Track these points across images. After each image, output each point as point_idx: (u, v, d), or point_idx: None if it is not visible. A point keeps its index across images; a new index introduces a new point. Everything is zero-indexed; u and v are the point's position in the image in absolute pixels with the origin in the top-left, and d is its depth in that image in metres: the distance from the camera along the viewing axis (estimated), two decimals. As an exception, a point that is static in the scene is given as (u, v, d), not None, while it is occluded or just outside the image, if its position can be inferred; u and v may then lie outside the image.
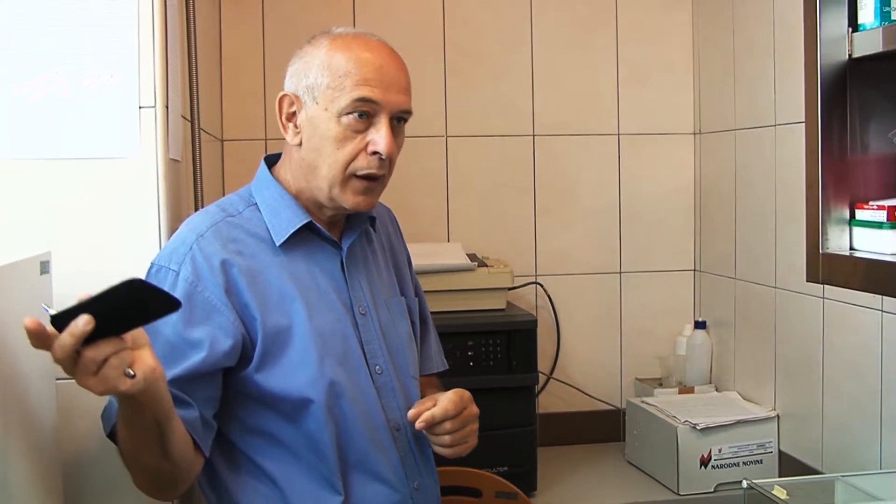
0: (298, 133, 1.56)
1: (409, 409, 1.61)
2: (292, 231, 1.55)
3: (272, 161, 1.67)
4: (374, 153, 1.53)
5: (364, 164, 1.53)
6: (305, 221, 1.56)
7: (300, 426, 1.54)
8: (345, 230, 1.66)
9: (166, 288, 1.43)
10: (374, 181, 1.56)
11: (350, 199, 1.55)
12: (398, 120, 1.57)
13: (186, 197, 1.84)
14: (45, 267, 1.40)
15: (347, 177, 1.54)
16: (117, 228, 1.56)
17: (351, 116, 1.52)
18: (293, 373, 1.52)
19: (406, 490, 1.62)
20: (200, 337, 1.47)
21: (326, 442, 1.54)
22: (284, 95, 1.57)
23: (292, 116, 1.57)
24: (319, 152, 1.54)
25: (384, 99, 1.53)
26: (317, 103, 1.53)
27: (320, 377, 1.53)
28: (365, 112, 1.52)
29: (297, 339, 1.53)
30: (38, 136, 1.54)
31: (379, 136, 1.52)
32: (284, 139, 1.60)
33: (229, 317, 1.49)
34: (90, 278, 1.54)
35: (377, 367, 1.62)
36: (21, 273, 1.30)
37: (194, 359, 1.46)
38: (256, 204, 1.59)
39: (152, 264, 1.51)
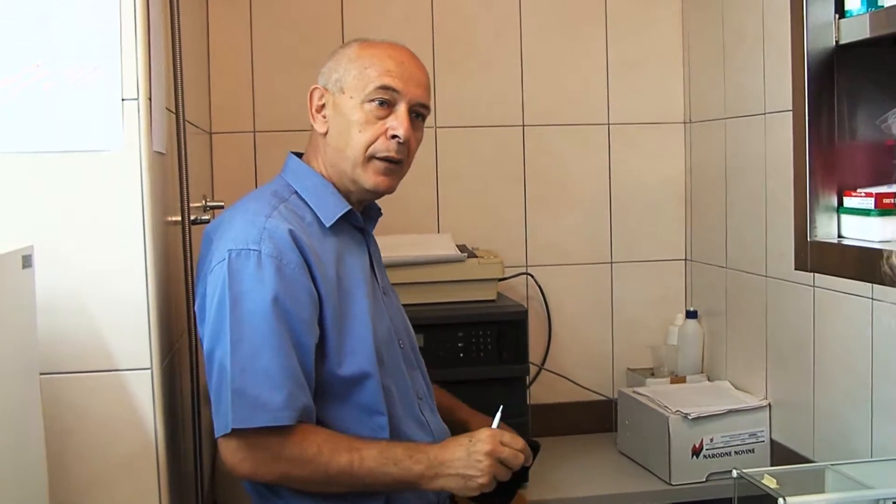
0: (326, 122, 1.73)
1: (425, 380, 1.85)
2: (340, 214, 1.70)
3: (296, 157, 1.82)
4: (393, 137, 1.69)
5: (383, 147, 1.70)
6: (347, 209, 1.72)
7: (348, 403, 1.66)
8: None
9: (251, 267, 1.56)
10: (394, 163, 1.71)
11: (371, 179, 1.71)
12: (416, 115, 1.74)
13: (172, 189, 1.83)
14: (27, 261, 1.38)
15: (368, 158, 1.70)
16: (100, 221, 1.54)
17: (373, 104, 1.69)
18: (354, 351, 1.66)
19: None
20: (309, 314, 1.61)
21: (380, 408, 1.68)
22: (315, 88, 1.75)
23: (321, 108, 1.75)
24: (344, 136, 1.70)
25: (404, 89, 1.70)
26: (343, 93, 1.71)
27: (374, 352, 1.67)
28: (385, 100, 1.69)
29: (359, 317, 1.67)
30: (19, 130, 1.52)
31: (397, 122, 1.69)
32: (309, 133, 1.79)
33: (312, 293, 1.61)
34: (73, 272, 1.54)
35: (401, 341, 1.80)
36: (3, 267, 1.29)
37: (312, 337, 1.61)
38: (297, 192, 1.72)
39: (228, 251, 1.59)
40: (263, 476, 1.60)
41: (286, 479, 1.61)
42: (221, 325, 1.57)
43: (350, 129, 1.70)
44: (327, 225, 1.69)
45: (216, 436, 1.60)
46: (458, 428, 1.95)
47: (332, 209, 1.71)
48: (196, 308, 1.69)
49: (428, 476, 1.62)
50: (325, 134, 1.73)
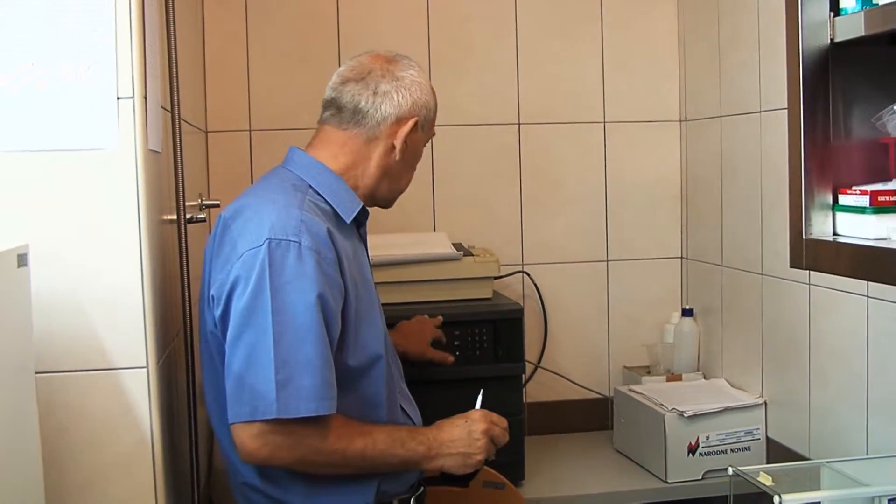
0: (405, 149, 1.79)
1: (401, 375, 1.88)
2: (357, 210, 1.76)
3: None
4: None
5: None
6: (361, 205, 1.77)
7: (352, 395, 1.69)
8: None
9: (291, 259, 1.59)
10: None
11: (394, 203, 1.89)
12: None
13: (167, 188, 1.83)
14: (22, 260, 1.38)
15: None
16: (96, 220, 1.54)
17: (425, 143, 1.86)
18: (367, 341, 1.71)
19: None
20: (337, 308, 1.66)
21: (382, 400, 1.74)
22: (417, 119, 1.78)
23: (407, 134, 1.79)
24: (409, 169, 1.84)
25: None
26: (422, 130, 1.82)
27: (384, 339, 1.76)
28: None
29: (371, 309, 1.75)
30: (15, 129, 1.52)
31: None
32: (316, 130, 1.82)
33: (341, 289, 1.65)
34: (68, 271, 1.54)
35: (386, 336, 1.83)
36: (-3, 266, 1.29)
37: (337, 331, 1.65)
38: (311, 186, 1.74)
39: (268, 240, 1.59)
40: (280, 460, 1.62)
41: (301, 462, 1.63)
42: (259, 312, 1.57)
43: (414, 164, 1.85)
44: (347, 221, 1.73)
45: (233, 421, 1.59)
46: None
47: (349, 205, 1.75)
48: (213, 292, 1.65)
49: (429, 456, 1.72)
50: (398, 159, 1.78)
